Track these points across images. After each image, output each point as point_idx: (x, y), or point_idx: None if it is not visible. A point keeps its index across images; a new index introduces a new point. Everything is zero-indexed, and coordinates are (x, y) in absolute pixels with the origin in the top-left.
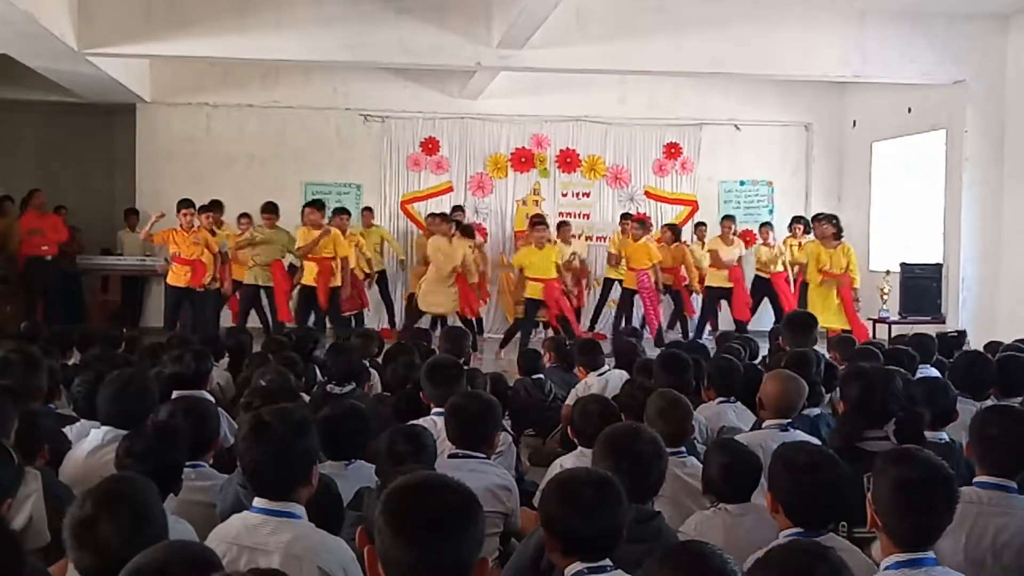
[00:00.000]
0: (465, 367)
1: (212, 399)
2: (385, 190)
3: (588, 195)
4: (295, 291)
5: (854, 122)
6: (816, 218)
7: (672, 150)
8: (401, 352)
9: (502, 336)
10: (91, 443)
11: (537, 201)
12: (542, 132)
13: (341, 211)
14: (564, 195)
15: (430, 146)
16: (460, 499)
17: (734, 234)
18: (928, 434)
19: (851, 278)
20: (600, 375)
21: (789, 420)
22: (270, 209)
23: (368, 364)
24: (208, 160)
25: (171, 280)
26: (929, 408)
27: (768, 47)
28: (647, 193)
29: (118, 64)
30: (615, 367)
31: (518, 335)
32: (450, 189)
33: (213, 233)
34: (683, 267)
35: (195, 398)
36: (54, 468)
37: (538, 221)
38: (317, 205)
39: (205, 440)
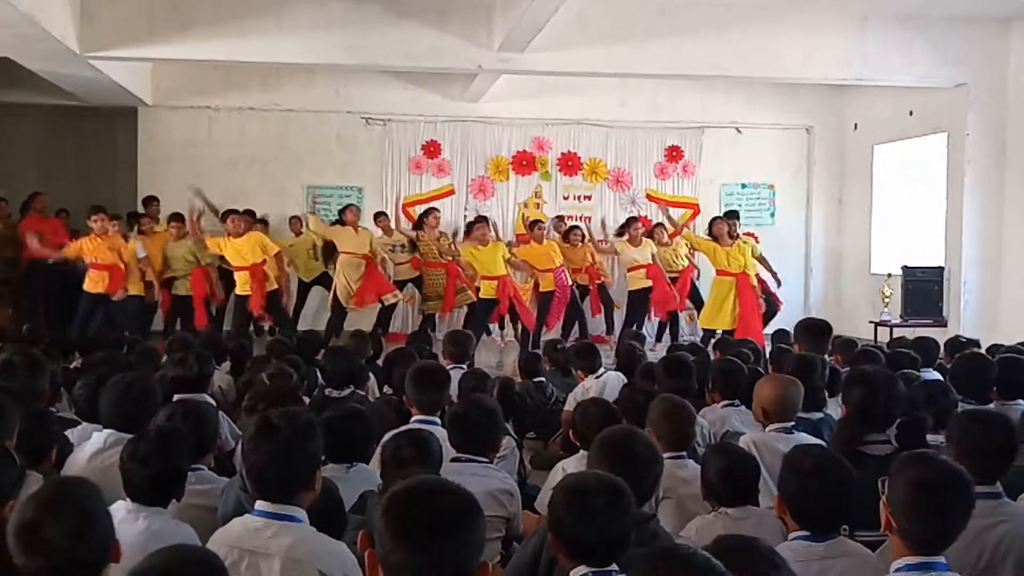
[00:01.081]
0: (469, 369)
1: (213, 402)
2: (386, 193)
3: (590, 198)
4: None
5: (855, 125)
6: (713, 219)
7: (673, 153)
8: (407, 356)
9: (512, 338)
10: (93, 446)
11: (539, 204)
12: (543, 135)
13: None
14: (565, 198)
15: (431, 149)
16: (461, 503)
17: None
18: (928, 437)
19: (748, 275)
20: (597, 378)
21: (793, 423)
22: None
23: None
24: (210, 163)
25: (87, 287)
26: (929, 411)
27: (769, 50)
28: (649, 196)
29: (120, 67)
30: (616, 369)
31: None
32: (451, 192)
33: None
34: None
35: (194, 401)
36: (58, 471)
37: (475, 220)
38: (236, 212)
39: (204, 443)
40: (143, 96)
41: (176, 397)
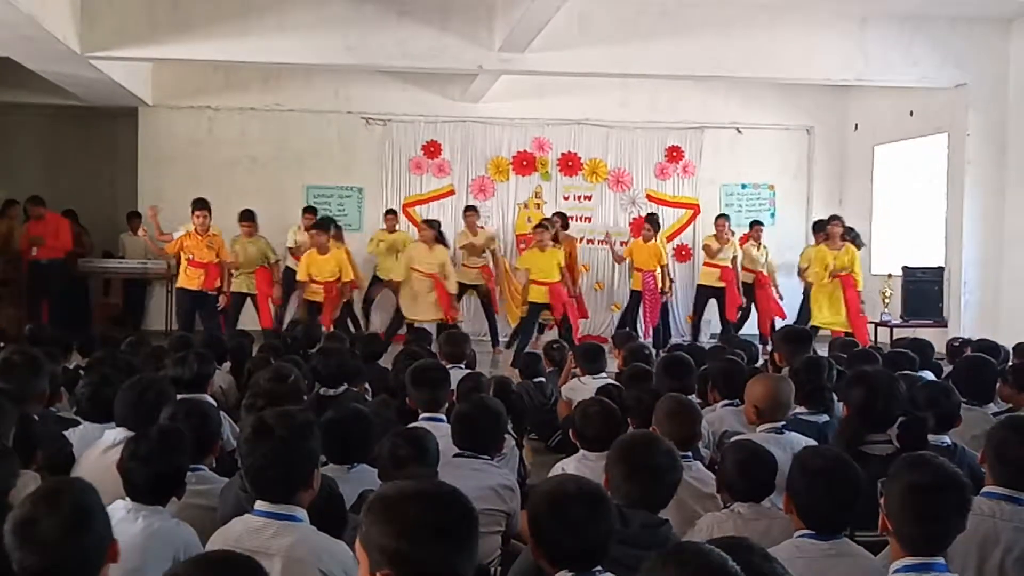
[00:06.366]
0: (468, 370)
1: (214, 402)
2: (387, 193)
3: (590, 198)
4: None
5: (856, 125)
6: (825, 220)
7: (674, 153)
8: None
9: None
10: (105, 444)
11: (539, 204)
12: (544, 135)
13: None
14: (566, 198)
15: (432, 149)
16: (470, 510)
17: (730, 233)
18: (930, 438)
19: (855, 279)
20: (595, 378)
21: (784, 423)
22: (248, 217)
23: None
24: (210, 163)
25: (183, 283)
26: (931, 412)
27: (770, 50)
28: (649, 196)
29: (120, 67)
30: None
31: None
32: (452, 192)
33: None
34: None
35: (196, 401)
36: (55, 471)
37: (539, 225)
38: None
39: (206, 443)
40: (144, 96)
41: (177, 397)
